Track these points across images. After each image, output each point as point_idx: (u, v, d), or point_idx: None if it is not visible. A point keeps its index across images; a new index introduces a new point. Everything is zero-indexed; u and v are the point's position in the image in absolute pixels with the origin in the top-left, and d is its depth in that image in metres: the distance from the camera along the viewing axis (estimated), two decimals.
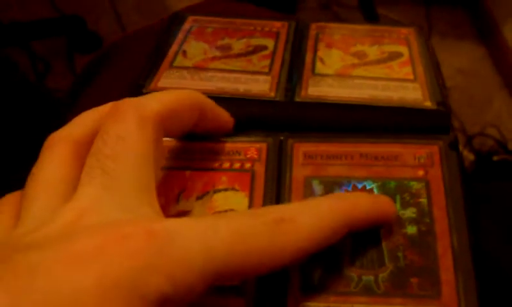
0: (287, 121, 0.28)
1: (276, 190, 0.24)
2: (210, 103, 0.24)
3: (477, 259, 0.21)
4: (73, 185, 0.18)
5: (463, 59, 1.42)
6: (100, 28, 1.40)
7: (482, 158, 1.13)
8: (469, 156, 1.16)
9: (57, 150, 0.19)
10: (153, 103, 0.20)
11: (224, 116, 0.26)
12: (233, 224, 0.17)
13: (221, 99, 0.26)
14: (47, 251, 0.15)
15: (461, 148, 1.17)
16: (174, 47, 0.33)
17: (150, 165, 0.18)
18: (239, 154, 0.26)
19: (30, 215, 0.18)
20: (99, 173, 0.17)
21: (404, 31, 0.35)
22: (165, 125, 0.20)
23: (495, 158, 1.12)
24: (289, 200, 0.24)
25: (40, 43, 1.31)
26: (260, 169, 0.25)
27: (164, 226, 0.16)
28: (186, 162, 0.25)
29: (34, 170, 0.19)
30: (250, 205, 0.23)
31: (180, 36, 0.34)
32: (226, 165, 0.25)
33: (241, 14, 0.36)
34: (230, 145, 0.26)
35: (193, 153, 0.26)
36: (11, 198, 0.20)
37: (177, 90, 0.24)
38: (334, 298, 0.20)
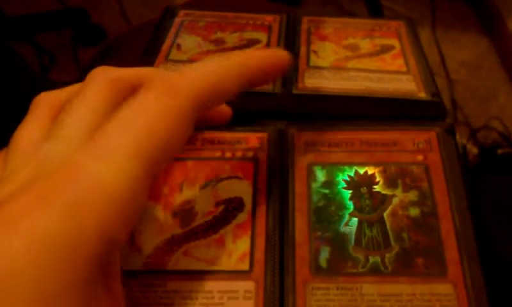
0: (286, 113, 0.28)
1: (280, 177, 0.25)
2: None
3: (479, 239, 0.22)
4: None
5: (467, 52, 1.42)
6: (105, 21, 1.40)
7: (486, 151, 1.13)
8: (473, 149, 1.16)
9: (38, 112, 0.20)
10: (122, 70, 0.21)
11: (222, 107, 0.26)
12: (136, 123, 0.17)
13: None
14: None
15: (465, 141, 1.17)
16: (168, 41, 0.33)
17: (95, 118, 0.18)
18: (241, 143, 0.26)
19: (1, 179, 0.18)
20: (54, 129, 0.18)
21: (394, 23, 0.35)
22: (132, 89, 0.20)
23: (499, 151, 1.11)
24: (293, 186, 0.24)
25: (44, 36, 1.31)
26: (262, 157, 0.25)
27: (76, 160, 0.16)
28: (188, 152, 0.26)
29: (17, 130, 0.20)
30: (255, 193, 0.24)
31: (173, 30, 0.34)
32: (229, 154, 0.26)
33: (236, 7, 0.37)
34: (231, 135, 0.26)
35: (194, 144, 0.26)
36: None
37: (156, 67, 0.24)
38: (343, 278, 0.21)
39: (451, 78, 1.30)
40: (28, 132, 0.19)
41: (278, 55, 0.22)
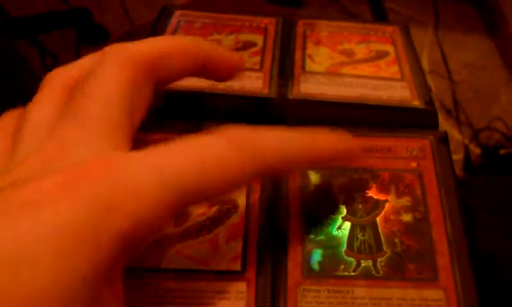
0: (281, 118, 0.28)
1: (274, 180, 0.25)
2: (215, 50, 0.23)
3: (470, 246, 0.22)
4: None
5: (470, 52, 1.42)
6: (108, 20, 1.41)
7: (488, 152, 1.13)
8: (475, 150, 1.16)
9: (50, 90, 0.19)
10: (141, 45, 0.20)
11: (234, 59, 0.24)
12: (187, 151, 0.17)
13: (216, 96, 0.26)
14: None
15: (467, 142, 1.17)
16: None
17: (124, 106, 0.18)
18: None
19: (14, 158, 0.17)
20: (73, 110, 0.17)
21: (388, 29, 0.36)
22: (154, 68, 0.20)
23: (502, 152, 1.11)
24: (287, 190, 0.24)
25: (47, 36, 1.31)
26: None
27: (115, 158, 0.16)
28: None
29: (29, 107, 0.19)
30: (248, 195, 0.24)
31: (169, 30, 0.34)
32: None
33: (234, 10, 0.37)
34: None
35: None
36: (8, 122, 0.20)
37: (174, 36, 0.25)
38: (334, 281, 0.21)
39: (454, 79, 1.29)
40: (41, 110, 0.18)
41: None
